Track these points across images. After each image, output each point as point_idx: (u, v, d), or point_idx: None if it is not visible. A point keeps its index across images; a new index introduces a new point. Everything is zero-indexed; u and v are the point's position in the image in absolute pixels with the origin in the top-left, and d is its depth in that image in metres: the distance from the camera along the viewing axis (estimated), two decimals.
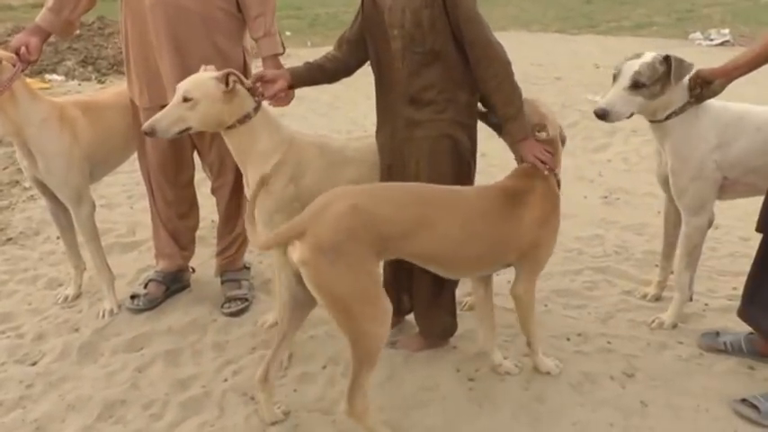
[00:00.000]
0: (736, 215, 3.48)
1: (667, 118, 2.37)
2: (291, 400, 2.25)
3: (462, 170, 2.29)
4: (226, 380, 2.36)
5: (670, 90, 2.32)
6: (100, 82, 7.17)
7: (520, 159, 2.23)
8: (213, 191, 2.88)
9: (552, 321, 2.65)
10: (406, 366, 2.41)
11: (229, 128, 2.21)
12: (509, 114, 2.16)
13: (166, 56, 2.50)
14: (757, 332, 2.40)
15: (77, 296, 2.93)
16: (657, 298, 2.84)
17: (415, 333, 2.53)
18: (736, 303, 2.44)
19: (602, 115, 2.32)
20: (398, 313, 2.60)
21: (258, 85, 2.26)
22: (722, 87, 2.34)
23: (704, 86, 2.33)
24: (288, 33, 10.16)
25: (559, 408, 2.18)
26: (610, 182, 4.25)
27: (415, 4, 2.11)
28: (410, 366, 2.41)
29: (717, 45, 8.79)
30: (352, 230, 1.82)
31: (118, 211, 3.87)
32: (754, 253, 2.35)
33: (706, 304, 2.80)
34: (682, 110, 2.35)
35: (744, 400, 2.17)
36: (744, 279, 2.40)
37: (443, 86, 2.19)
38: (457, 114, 2.23)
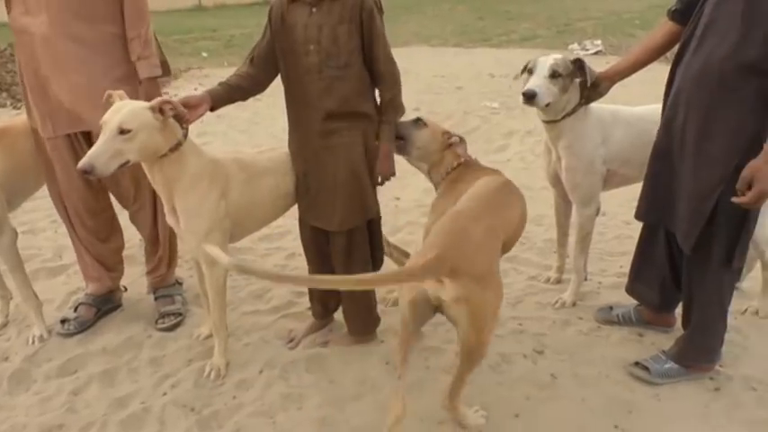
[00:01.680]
0: (618, 202, 3.67)
1: (562, 118, 2.45)
2: (231, 406, 2.18)
3: (373, 174, 2.30)
4: (165, 394, 2.26)
5: (571, 89, 2.40)
6: (15, 108, 6.69)
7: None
8: (133, 217, 2.71)
9: None
10: (339, 364, 2.39)
11: (161, 157, 2.06)
12: (390, 120, 2.25)
13: (65, 86, 2.34)
14: (643, 304, 2.55)
15: (5, 325, 2.71)
16: (558, 281, 2.95)
17: (345, 332, 2.51)
18: (625, 280, 2.58)
19: (531, 96, 2.31)
20: (327, 314, 2.58)
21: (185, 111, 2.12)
22: (607, 90, 2.44)
23: (592, 89, 2.43)
24: (204, 54, 9.86)
25: (481, 388, 2.22)
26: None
27: (332, 20, 2.09)
28: (343, 363, 2.39)
29: (592, 54, 9.27)
30: (496, 250, 1.78)
31: (42, 236, 3.61)
32: (635, 234, 2.49)
33: (599, 282, 2.94)
34: (573, 111, 2.44)
35: (637, 364, 2.29)
36: (629, 258, 2.54)
37: (355, 99, 2.18)
38: (366, 124, 2.23)
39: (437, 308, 1.76)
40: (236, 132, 5.71)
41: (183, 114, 2.07)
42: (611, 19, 12.52)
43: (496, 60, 8.74)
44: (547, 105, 2.37)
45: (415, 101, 6.40)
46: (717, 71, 1.92)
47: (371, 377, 2.30)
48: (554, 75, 2.34)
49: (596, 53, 9.34)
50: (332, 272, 2.40)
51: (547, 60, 2.37)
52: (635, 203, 2.35)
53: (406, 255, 2.79)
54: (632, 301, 2.59)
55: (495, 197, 2.04)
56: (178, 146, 2.08)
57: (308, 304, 2.65)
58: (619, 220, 3.60)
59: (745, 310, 2.64)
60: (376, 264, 2.46)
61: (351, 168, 2.22)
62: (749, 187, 1.85)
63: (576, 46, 9.81)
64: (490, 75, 7.83)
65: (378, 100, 2.28)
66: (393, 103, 2.23)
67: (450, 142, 2.33)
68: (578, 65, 2.39)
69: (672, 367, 2.23)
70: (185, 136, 2.12)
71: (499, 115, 6.05)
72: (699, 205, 2.01)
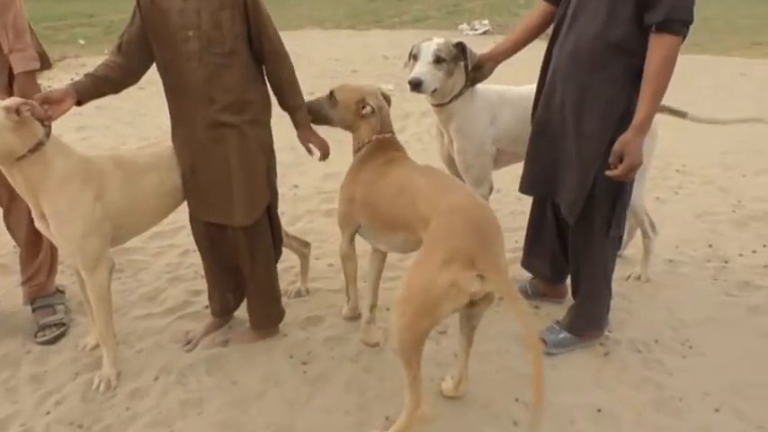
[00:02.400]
0: (510, 179, 3.75)
1: (450, 101, 2.46)
2: (124, 418, 2.03)
3: (270, 164, 2.23)
4: (48, 413, 2.07)
5: (456, 72, 2.41)
6: None
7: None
8: (7, 221, 2.47)
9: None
10: (241, 362, 2.30)
11: (19, 159, 1.87)
12: (298, 104, 2.18)
13: None
14: (537, 278, 2.65)
15: None
16: None
17: (246, 328, 2.43)
18: (520, 254, 2.66)
19: (417, 84, 2.32)
20: (226, 312, 2.48)
21: (46, 107, 1.92)
22: (491, 70, 2.49)
23: (476, 70, 2.46)
24: (81, 42, 9.16)
25: (386, 374, 2.22)
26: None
27: (212, 5, 1.97)
28: (245, 361, 2.30)
29: (480, 34, 9.57)
30: None
31: None
32: (528, 209, 2.57)
33: None
34: (460, 93, 2.46)
35: None
36: (523, 233, 2.62)
37: (242, 86, 2.08)
38: (257, 112, 2.14)
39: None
40: (120, 125, 5.35)
41: (42, 114, 1.89)
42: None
43: (389, 42, 8.78)
44: (434, 91, 2.38)
45: (310, 86, 6.26)
46: (588, 50, 2.00)
47: (275, 372, 2.24)
48: (438, 60, 2.35)
49: (484, 33, 9.65)
50: (228, 266, 2.32)
51: (430, 46, 2.37)
52: None
53: (306, 245, 2.73)
54: (527, 276, 2.68)
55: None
56: (39, 146, 1.89)
57: (205, 303, 2.53)
58: (512, 197, 3.73)
59: (629, 276, 2.83)
60: (276, 253, 2.38)
61: (244, 159, 2.12)
62: (621, 160, 1.95)
63: (465, 26, 10.07)
64: (384, 57, 7.85)
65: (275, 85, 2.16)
66: (294, 82, 2.16)
67: (363, 114, 2.21)
68: (460, 48, 2.41)
69: (565, 337, 2.34)
70: (48, 135, 1.93)
71: (395, 97, 6.03)
72: (581, 179, 2.10)
